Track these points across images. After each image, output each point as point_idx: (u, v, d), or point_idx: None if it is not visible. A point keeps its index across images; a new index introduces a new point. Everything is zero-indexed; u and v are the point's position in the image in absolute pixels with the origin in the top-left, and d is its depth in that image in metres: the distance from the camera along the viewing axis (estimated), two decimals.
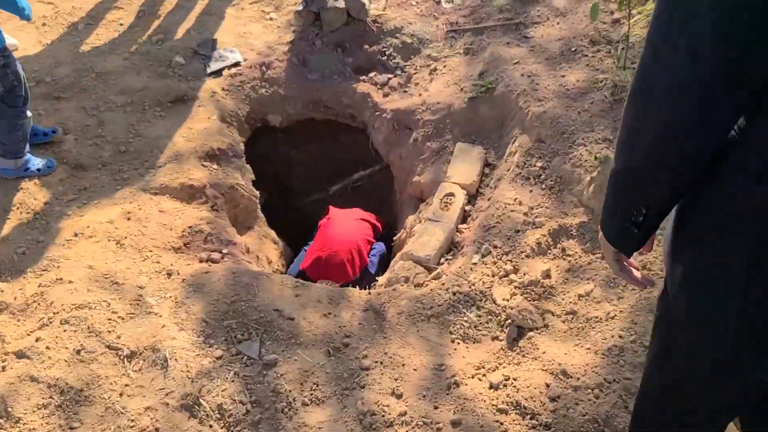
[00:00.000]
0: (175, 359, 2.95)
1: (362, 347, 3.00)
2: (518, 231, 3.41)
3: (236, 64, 4.79)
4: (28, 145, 3.83)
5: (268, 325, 3.10)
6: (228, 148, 4.23)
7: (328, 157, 5.18)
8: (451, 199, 3.83)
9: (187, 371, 2.91)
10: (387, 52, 4.80)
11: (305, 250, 4.34)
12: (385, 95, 4.62)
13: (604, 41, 4.32)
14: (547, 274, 3.17)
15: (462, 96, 4.32)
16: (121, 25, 5.09)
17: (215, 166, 4.14)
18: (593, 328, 2.90)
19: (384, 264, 4.10)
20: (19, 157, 3.75)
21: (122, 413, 2.75)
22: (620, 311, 2.91)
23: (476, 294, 3.15)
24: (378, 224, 4.41)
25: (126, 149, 4.15)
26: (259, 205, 4.32)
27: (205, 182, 3.98)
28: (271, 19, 5.27)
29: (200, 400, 2.80)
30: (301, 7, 4.84)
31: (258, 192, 4.32)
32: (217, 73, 4.75)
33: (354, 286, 3.94)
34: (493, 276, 3.23)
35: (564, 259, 3.27)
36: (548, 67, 4.25)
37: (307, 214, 4.98)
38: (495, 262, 3.30)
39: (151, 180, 3.94)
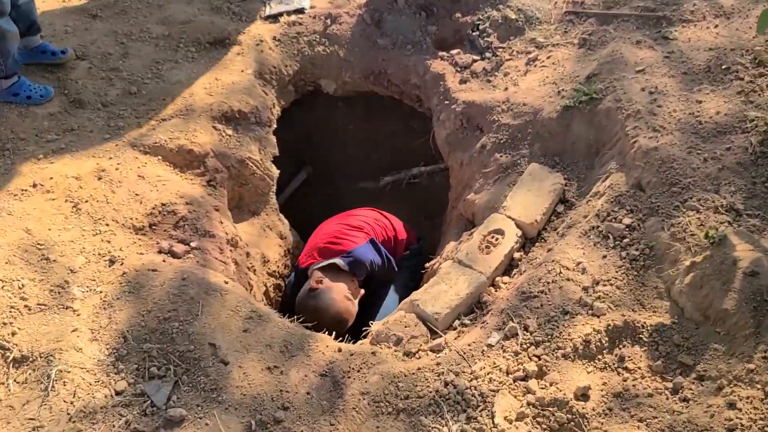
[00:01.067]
0: (64, 382, 2.28)
1: (296, 430, 2.18)
2: (566, 313, 2.41)
3: (299, 11, 3.98)
4: (18, 66, 3.26)
5: (194, 365, 2.35)
6: (251, 112, 3.46)
7: (391, 141, 4.29)
8: (497, 239, 2.86)
9: (71, 403, 2.23)
10: (481, 27, 3.78)
11: None
12: (463, 81, 3.64)
13: None
14: (583, 394, 2.17)
15: (556, 102, 3.26)
16: None
17: (229, 132, 3.39)
18: None
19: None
20: (2, 77, 3.18)
21: None
22: None
23: (473, 396, 2.21)
24: (398, 230, 3.54)
25: (137, 90, 3.50)
26: (273, 188, 3.54)
27: (208, 150, 3.25)
28: None
29: None
30: None
31: (277, 172, 3.54)
32: (275, 18, 3.97)
33: (368, 266, 3.21)
34: (507, 374, 2.27)
35: (618, 374, 2.24)
36: (683, 86, 3.08)
37: (350, 203, 4.16)
38: (517, 353, 2.33)
39: (148, 134, 3.26)
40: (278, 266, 3.44)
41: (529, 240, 2.94)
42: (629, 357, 2.27)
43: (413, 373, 2.32)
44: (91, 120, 3.32)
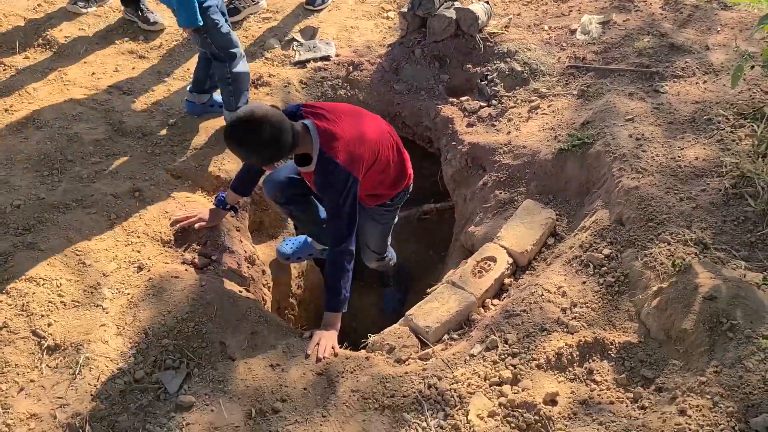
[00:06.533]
0: (90, 368, 2.57)
1: (291, 420, 2.43)
2: (544, 330, 2.64)
3: (325, 58, 4.37)
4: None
5: (205, 359, 2.63)
6: None
7: None
8: (489, 265, 3.11)
9: (94, 386, 2.51)
10: (489, 77, 4.12)
11: None
12: (470, 125, 3.96)
13: (756, 116, 3.33)
14: (552, 399, 2.38)
15: (553, 145, 3.55)
16: None
17: None
18: None
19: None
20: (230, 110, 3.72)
21: (3, 413, 2.41)
22: None
23: (452, 397, 2.44)
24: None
25: (175, 122, 3.88)
26: None
27: (233, 177, 3.59)
28: (387, 17, 4.80)
29: (87, 425, 2.39)
30: (406, 9, 4.31)
31: None
32: (303, 64, 4.36)
33: None
34: (485, 380, 2.50)
35: (586, 384, 2.45)
36: (667, 134, 3.35)
37: None
38: (495, 362, 2.56)
39: (181, 161, 3.62)
40: (291, 286, 3.73)
41: (520, 268, 3.19)
42: (597, 371, 2.48)
43: (401, 376, 2.56)
44: (131, 147, 3.70)
